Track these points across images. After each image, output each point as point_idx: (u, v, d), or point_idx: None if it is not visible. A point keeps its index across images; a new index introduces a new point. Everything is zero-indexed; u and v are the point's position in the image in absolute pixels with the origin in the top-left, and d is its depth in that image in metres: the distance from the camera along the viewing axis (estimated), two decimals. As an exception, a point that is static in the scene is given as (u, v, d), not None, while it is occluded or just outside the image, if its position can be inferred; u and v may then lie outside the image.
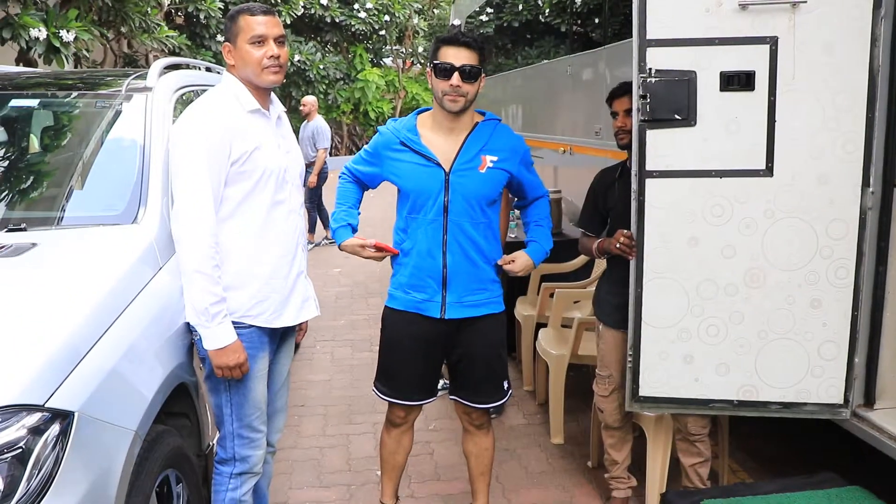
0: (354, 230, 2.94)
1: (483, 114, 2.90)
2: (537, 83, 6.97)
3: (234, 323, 2.51)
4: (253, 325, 2.58)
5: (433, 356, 2.97)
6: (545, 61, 6.70)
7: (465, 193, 2.77)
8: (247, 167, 2.49)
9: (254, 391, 2.63)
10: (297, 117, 10.23)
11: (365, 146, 3.02)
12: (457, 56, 2.70)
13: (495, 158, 2.80)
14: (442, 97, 2.73)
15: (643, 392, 2.90)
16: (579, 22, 5.92)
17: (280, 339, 2.80)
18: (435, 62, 2.74)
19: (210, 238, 2.43)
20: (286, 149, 2.69)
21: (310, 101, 9.87)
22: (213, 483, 2.69)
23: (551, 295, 4.42)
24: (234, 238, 2.53)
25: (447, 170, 2.76)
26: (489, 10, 8.86)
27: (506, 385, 3.02)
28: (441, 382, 3.76)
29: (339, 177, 3.06)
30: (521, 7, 7.49)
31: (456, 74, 2.68)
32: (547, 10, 6.65)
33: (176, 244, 2.48)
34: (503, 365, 3.03)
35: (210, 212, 2.44)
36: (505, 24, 8.15)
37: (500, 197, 2.93)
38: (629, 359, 2.90)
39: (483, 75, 2.76)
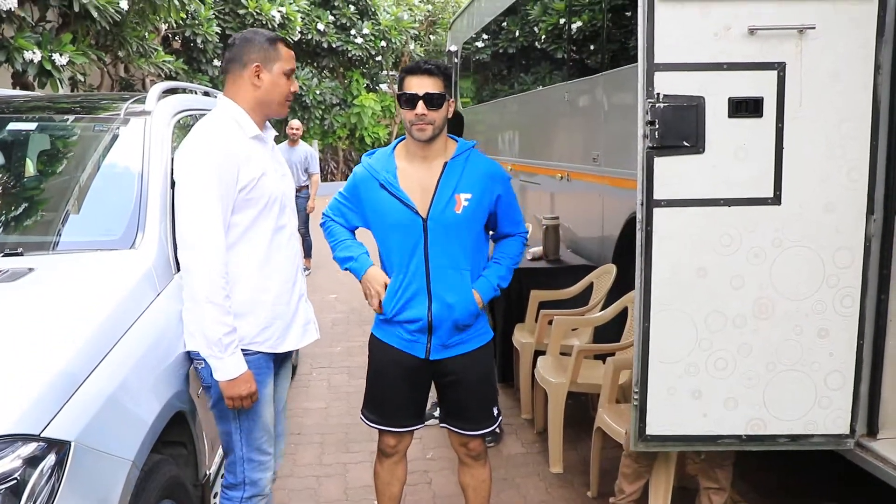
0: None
1: (455, 140, 2.87)
2: (534, 109, 6.97)
3: (241, 350, 2.47)
4: (259, 352, 2.55)
5: (420, 384, 2.94)
6: (541, 87, 6.71)
7: (444, 238, 2.74)
8: (254, 194, 2.47)
9: (263, 416, 2.60)
10: (280, 140, 10.22)
11: (341, 190, 2.97)
12: (420, 84, 2.69)
13: (469, 196, 2.75)
14: (410, 127, 2.72)
15: (650, 431, 2.79)
16: (576, 48, 5.93)
17: (280, 363, 2.78)
18: (399, 93, 2.73)
19: (221, 267, 2.40)
20: (282, 173, 2.69)
21: (299, 125, 9.93)
22: None
23: (550, 322, 4.38)
24: (242, 265, 2.50)
25: (424, 216, 2.73)
26: (485, 36, 8.89)
27: (495, 411, 2.98)
28: (436, 411, 3.71)
29: (321, 225, 3.00)
30: (517, 33, 7.51)
31: (420, 103, 2.67)
32: (543, 37, 6.67)
33: (185, 274, 2.43)
34: (492, 390, 3.00)
35: (221, 240, 2.40)
36: (501, 51, 8.18)
37: (485, 236, 2.89)
38: (635, 397, 2.79)
39: (450, 100, 2.74)
